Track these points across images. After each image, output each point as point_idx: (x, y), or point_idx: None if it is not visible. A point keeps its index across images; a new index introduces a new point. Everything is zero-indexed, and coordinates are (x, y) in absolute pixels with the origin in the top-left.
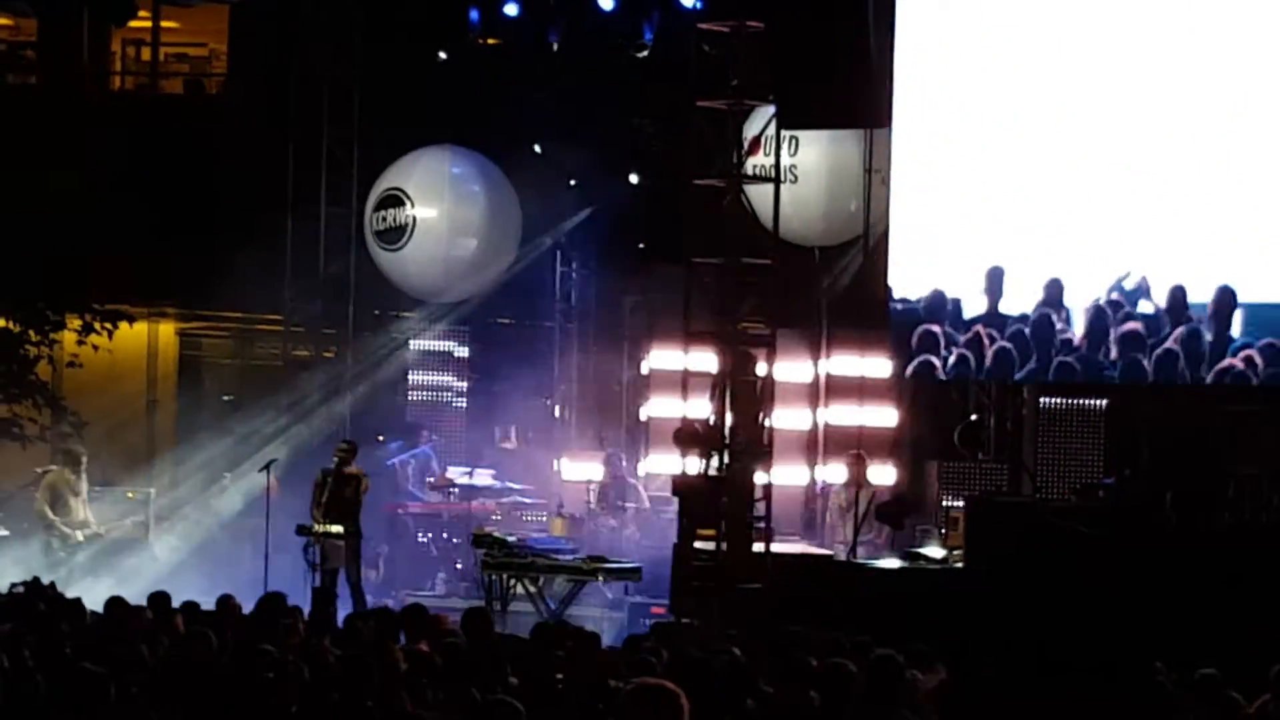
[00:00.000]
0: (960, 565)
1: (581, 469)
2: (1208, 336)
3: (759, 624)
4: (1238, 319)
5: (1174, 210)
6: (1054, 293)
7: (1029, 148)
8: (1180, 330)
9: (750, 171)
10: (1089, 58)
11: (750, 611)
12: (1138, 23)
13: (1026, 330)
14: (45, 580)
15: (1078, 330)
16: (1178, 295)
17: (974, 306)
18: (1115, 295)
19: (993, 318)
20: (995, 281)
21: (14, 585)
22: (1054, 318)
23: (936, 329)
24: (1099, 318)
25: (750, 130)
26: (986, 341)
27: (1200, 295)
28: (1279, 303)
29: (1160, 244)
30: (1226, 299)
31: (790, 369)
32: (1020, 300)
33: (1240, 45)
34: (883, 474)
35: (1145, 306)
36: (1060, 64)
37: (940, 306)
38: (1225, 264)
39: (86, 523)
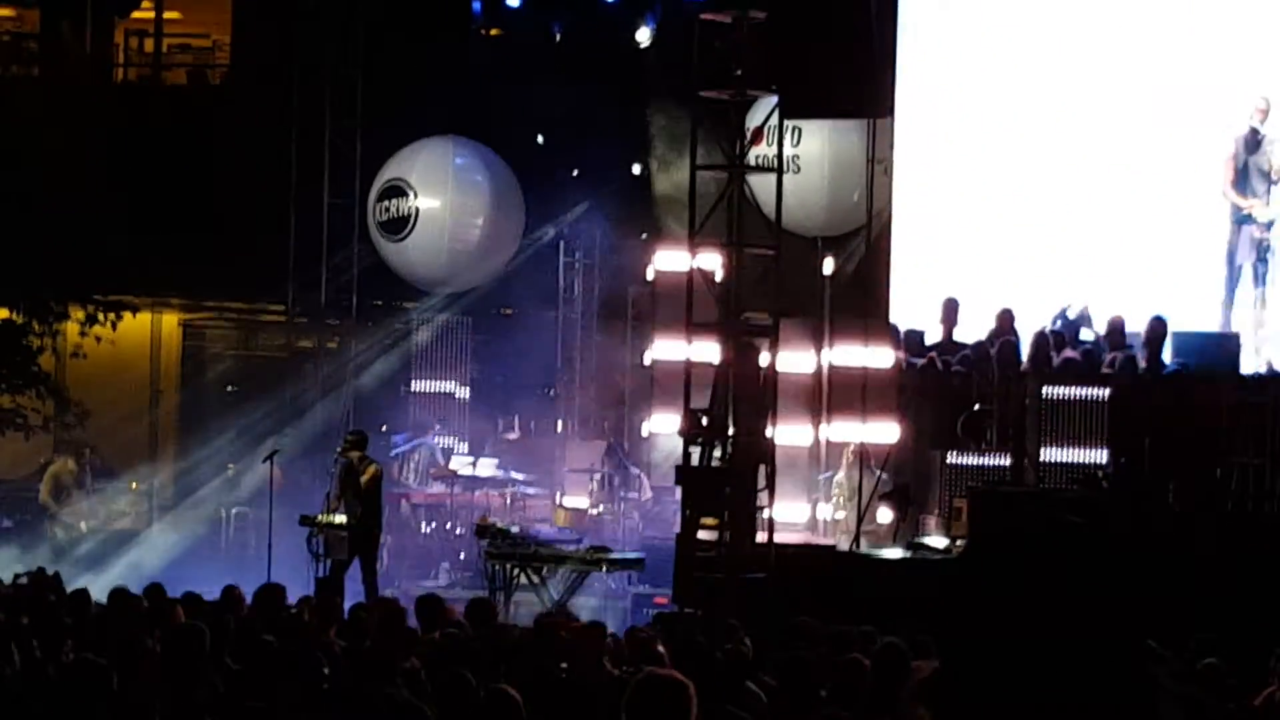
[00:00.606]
0: (963, 555)
1: (584, 459)
2: (1141, 363)
3: (763, 614)
4: (1168, 346)
5: (1117, 247)
6: (1005, 321)
7: (999, 185)
8: (1118, 356)
9: (753, 162)
10: (1058, 103)
11: (753, 602)
12: (1102, 79)
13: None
14: (49, 571)
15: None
16: (1116, 324)
17: (933, 335)
18: (1059, 324)
19: (948, 345)
20: (951, 312)
21: (18, 576)
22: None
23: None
24: (1041, 346)
25: (753, 121)
26: (940, 368)
27: (1136, 325)
28: (1205, 331)
29: (1102, 277)
30: (1158, 328)
31: (793, 359)
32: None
33: (1176, 111)
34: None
35: (1087, 334)
36: (1025, 114)
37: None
38: (1158, 296)
39: (89, 513)
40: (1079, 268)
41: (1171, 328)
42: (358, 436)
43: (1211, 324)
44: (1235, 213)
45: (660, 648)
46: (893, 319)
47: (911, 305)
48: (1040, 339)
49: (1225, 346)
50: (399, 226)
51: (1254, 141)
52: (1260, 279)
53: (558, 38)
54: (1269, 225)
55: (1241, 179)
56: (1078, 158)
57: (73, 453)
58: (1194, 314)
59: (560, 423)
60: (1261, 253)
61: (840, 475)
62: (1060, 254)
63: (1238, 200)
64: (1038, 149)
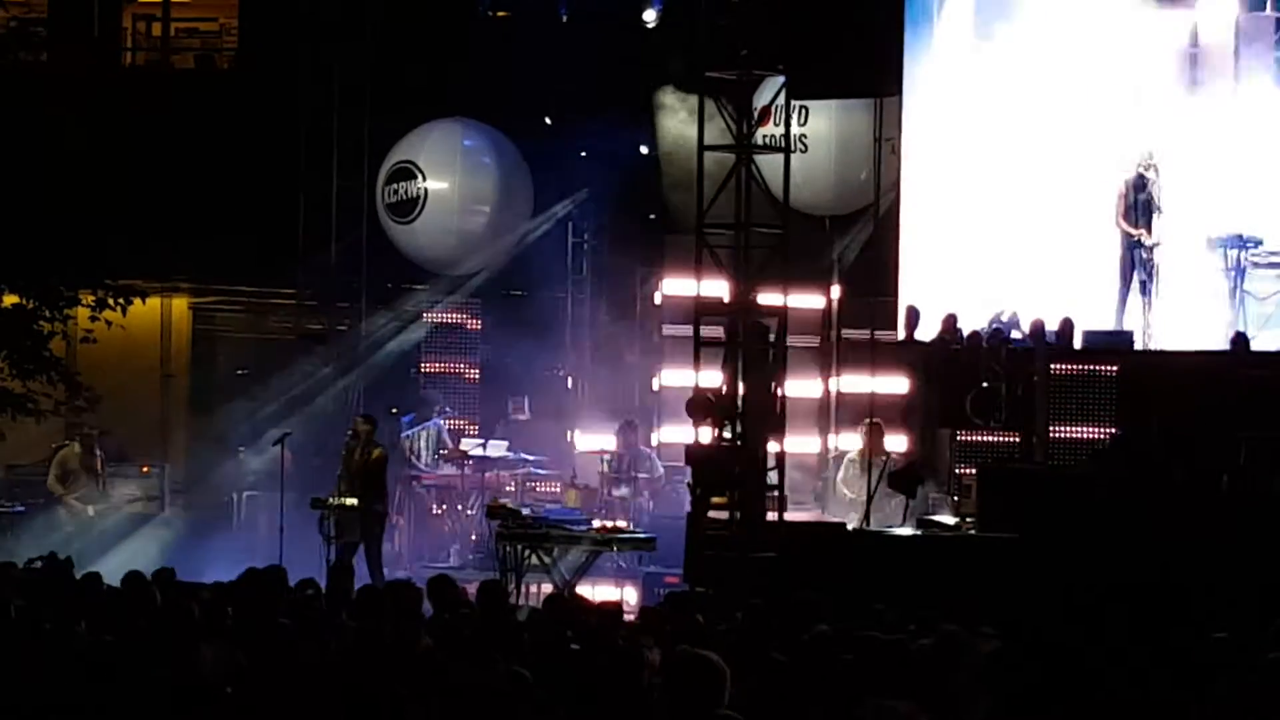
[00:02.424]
0: (973, 532)
1: (594, 440)
2: None
3: (773, 592)
4: (1077, 341)
5: (1037, 261)
6: (948, 324)
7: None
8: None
9: (760, 141)
10: (1022, 128)
11: (764, 580)
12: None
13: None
14: (61, 556)
15: None
16: (1037, 326)
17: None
18: (994, 326)
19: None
20: (912, 318)
21: (31, 560)
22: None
23: None
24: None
25: (760, 100)
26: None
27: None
28: (1104, 330)
29: (1025, 286)
30: (1067, 327)
31: (801, 338)
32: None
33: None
34: (895, 442)
35: (1015, 335)
36: (1000, 132)
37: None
38: (1067, 302)
39: (97, 497)
40: (1011, 275)
41: (1079, 327)
42: (367, 419)
43: (1108, 324)
44: (1126, 239)
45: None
46: (902, 297)
47: (921, 283)
48: (974, 339)
49: (1120, 340)
50: (408, 209)
51: (1140, 184)
52: (1145, 290)
53: (565, 19)
54: (1152, 248)
55: (1131, 212)
56: (1025, 180)
57: (81, 438)
58: (1096, 316)
59: (570, 403)
60: (1147, 270)
61: (853, 454)
62: (1001, 259)
63: (1128, 229)
64: (1002, 167)
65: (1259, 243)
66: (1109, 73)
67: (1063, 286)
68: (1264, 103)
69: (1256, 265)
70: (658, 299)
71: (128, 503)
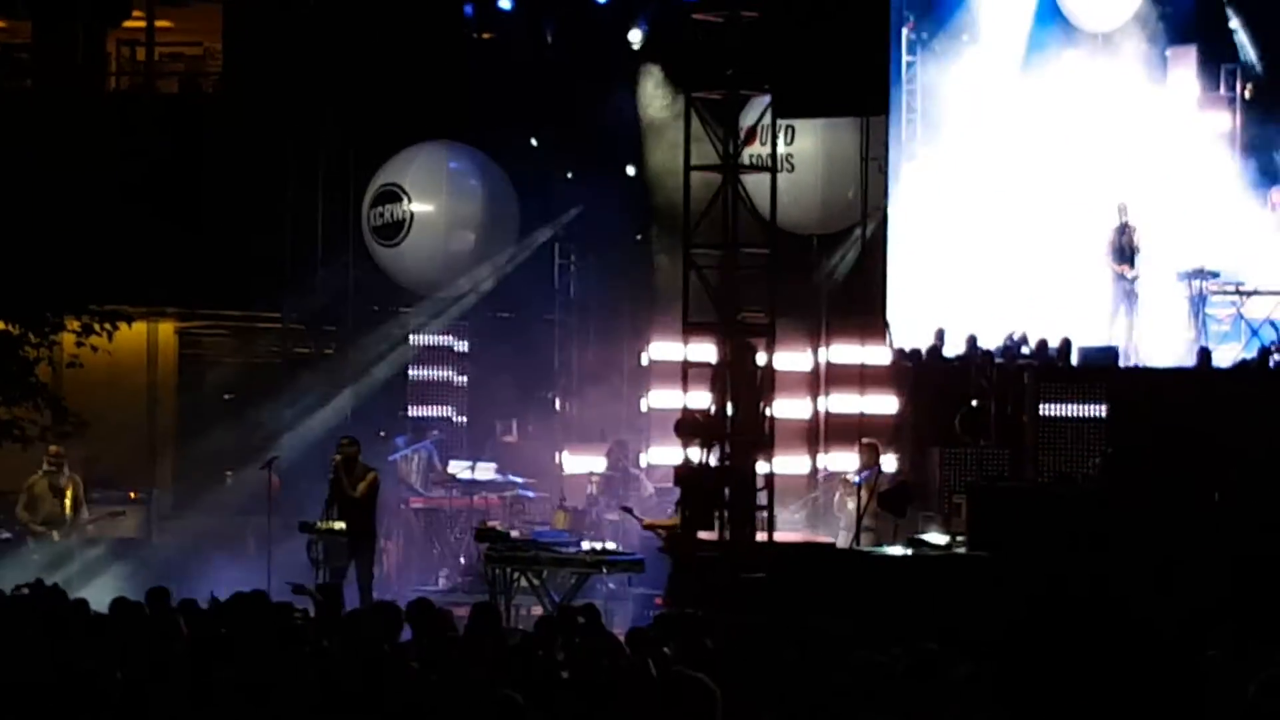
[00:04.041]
0: (963, 551)
1: (583, 461)
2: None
3: (763, 614)
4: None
5: (1041, 288)
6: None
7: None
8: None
9: (746, 161)
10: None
11: (753, 601)
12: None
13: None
14: (48, 583)
15: None
16: (1042, 343)
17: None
18: (1006, 343)
19: None
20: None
21: (18, 587)
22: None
23: None
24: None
25: (746, 120)
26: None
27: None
28: (1096, 345)
29: (1031, 309)
30: (1065, 346)
31: (790, 358)
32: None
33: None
34: (885, 462)
35: (1025, 350)
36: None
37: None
38: (1066, 323)
39: (63, 520)
40: (1017, 299)
41: (1075, 343)
42: (351, 443)
43: (1100, 341)
44: (1114, 273)
45: (666, 649)
46: (889, 316)
47: (908, 302)
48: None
49: (1109, 355)
50: (393, 232)
51: (1122, 229)
52: (1129, 313)
53: (550, 40)
54: (1134, 281)
55: (1115, 253)
56: (1028, 210)
57: (44, 458)
58: (1089, 335)
59: (558, 426)
60: (1130, 299)
61: (851, 474)
62: (1004, 282)
63: (1114, 266)
64: (1005, 194)
65: (1216, 275)
66: (1098, 126)
67: (1052, 308)
68: (1219, 166)
69: (1214, 293)
70: (644, 360)
71: (93, 525)
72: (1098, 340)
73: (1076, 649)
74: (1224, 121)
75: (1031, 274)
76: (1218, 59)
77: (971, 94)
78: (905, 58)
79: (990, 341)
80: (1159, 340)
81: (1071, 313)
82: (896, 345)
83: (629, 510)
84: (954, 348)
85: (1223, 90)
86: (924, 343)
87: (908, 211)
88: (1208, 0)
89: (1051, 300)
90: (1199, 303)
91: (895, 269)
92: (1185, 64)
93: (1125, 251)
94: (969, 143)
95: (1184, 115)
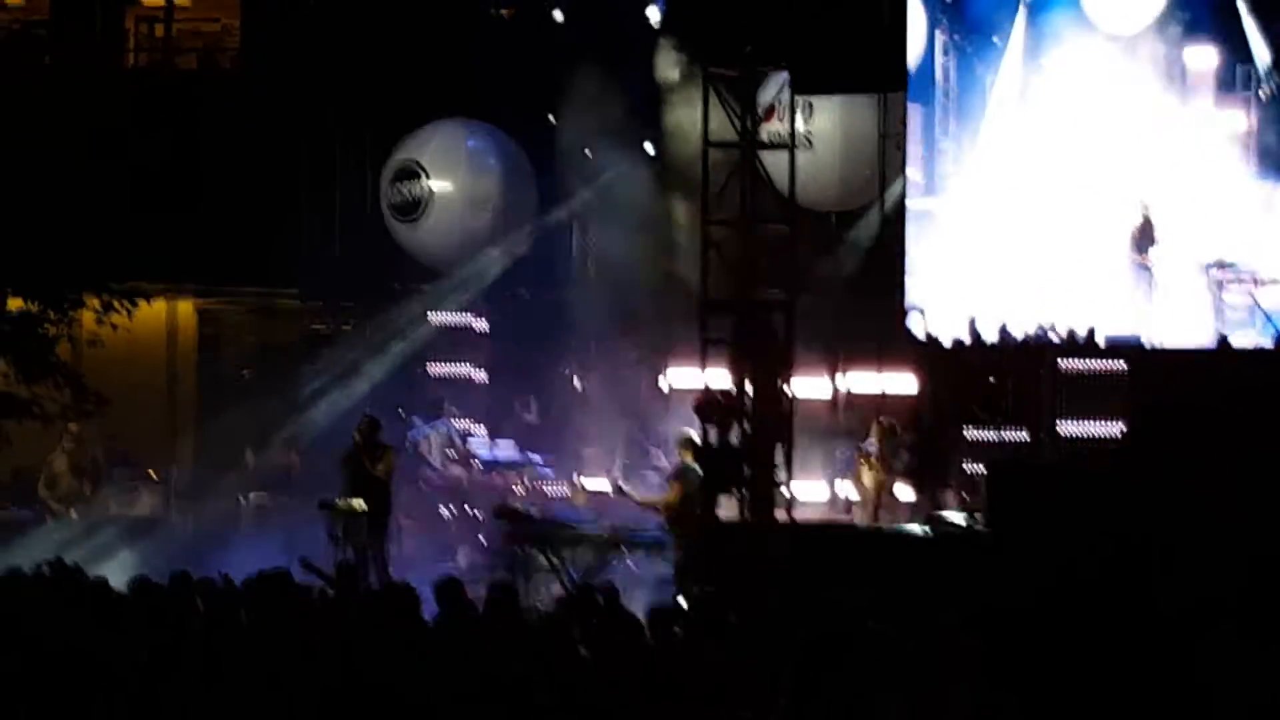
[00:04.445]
0: (983, 530)
1: (603, 440)
2: None
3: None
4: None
5: (1070, 276)
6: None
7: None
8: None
9: (765, 138)
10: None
11: (773, 579)
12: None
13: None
14: (69, 561)
15: None
16: (1070, 332)
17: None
18: (1038, 332)
19: None
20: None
21: (39, 565)
22: None
23: None
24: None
25: (764, 97)
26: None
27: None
28: (1125, 335)
29: (1060, 297)
30: (1090, 334)
31: (808, 336)
32: None
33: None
34: (903, 440)
35: (1052, 336)
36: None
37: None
38: (1093, 310)
39: (82, 498)
40: (1044, 288)
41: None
42: (371, 421)
43: (1121, 327)
44: (1135, 264)
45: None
46: (922, 302)
47: (925, 279)
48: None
49: (1132, 341)
50: (412, 209)
51: (1143, 223)
52: (1148, 300)
53: (568, 17)
54: (1152, 270)
55: (1136, 245)
56: (1054, 204)
57: (65, 437)
58: (1112, 322)
59: (578, 403)
60: (1149, 287)
61: (867, 445)
62: (1032, 272)
63: (1135, 257)
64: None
65: (1233, 265)
66: (1121, 124)
67: (1078, 296)
68: (1235, 162)
69: (1230, 282)
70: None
71: (114, 503)
72: (1120, 327)
73: (1087, 630)
74: (1240, 120)
75: (1058, 264)
76: (1234, 60)
77: (1000, 93)
78: (939, 59)
79: (1020, 330)
80: (1179, 326)
81: (1095, 300)
82: (929, 331)
83: (621, 490)
84: (986, 335)
85: (1239, 90)
86: (958, 329)
87: (946, 203)
88: (1225, 4)
89: (1077, 289)
90: (1217, 291)
91: (931, 258)
92: (1203, 65)
93: (1145, 243)
94: (998, 139)
95: (1202, 114)
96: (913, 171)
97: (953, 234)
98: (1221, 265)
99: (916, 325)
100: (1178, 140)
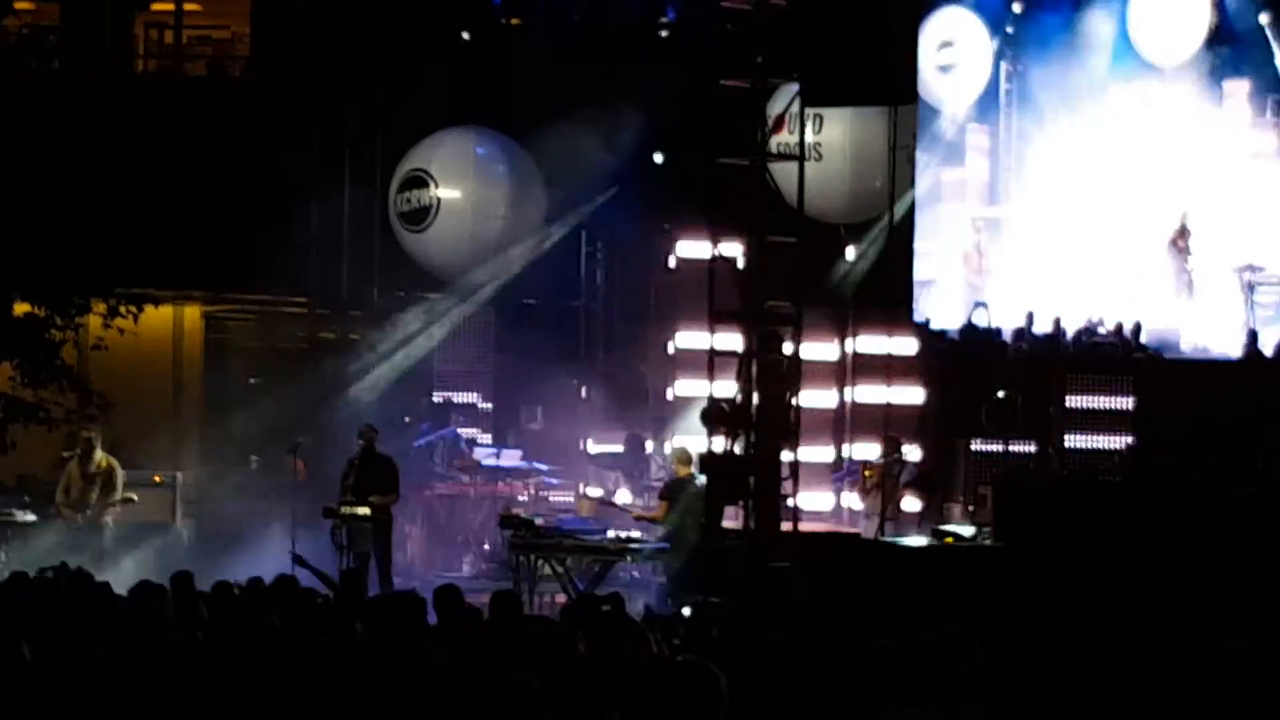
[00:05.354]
0: (989, 543)
1: (608, 449)
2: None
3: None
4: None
5: (1111, 273)
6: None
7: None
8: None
9: (774, 150)
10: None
11: (779, 590)
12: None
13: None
14: (72, 566)
15: None
16: (1118, 326)
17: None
18: (1088, 325)
19: None
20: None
21: (43, 570)
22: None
23: None
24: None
25: (774, 108)
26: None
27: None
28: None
29: (1102, 293)
30: (1136, 328)
31: (816, 347)
32: None
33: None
34: (908, 452)
35: (1101, 331)
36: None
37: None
38: (1138, 306)
39: (88, 504)
40: (1095, 287)
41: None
42: (371, 429)
43: (1162, 323)
44: (1175, 267)
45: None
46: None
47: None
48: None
49: (1170, 338)
50: (420, 217)
51: (1182, 230)
52: (1188, 299)
53: (578, 26)
54: (1191, 271)
55: (1176, 250)
56: (1106, 212)
57: (79, 444)
58: (1154, 318)
59: (583, 413)
60: (1188, 288)
61: (874, 456)
62: (1085, 273)
63: (1174, 261)
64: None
65: (1263, 269)
66: (1165, 144)
67: (1125, 295)
68: (1267, 178)
69: (1261, 284)
70: (671, 349)
71: (114, 509)
72: (1161, 323)
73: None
74: (1270, 142)
75: (1107, 266)
76: (1265, 90)
77: (1058, 114)
78: (1003, 85)
79: (1073, 324)
80: (1214, 324)
81: (1139, 298)
82: (994, 324)
83: (610, 503)
84: (1042, 327)
85: (1269, 116)
86: (1016, 322)
87: (1010, 211)
88: (1258, 40)
89: (1124, 288)
90: (1249, 292)
91: (1001, 260)
92: (1238, 94)
93: (1184, 249)
94: (1054, 155)
95: (1237, 136)
96: (978, 184)
97: (1016, 238)
98: (1253, 268)
99: (980, 319)
100: (1214, 157)
